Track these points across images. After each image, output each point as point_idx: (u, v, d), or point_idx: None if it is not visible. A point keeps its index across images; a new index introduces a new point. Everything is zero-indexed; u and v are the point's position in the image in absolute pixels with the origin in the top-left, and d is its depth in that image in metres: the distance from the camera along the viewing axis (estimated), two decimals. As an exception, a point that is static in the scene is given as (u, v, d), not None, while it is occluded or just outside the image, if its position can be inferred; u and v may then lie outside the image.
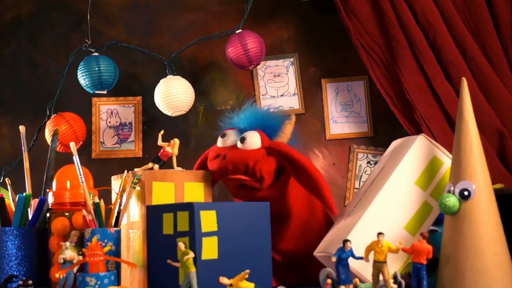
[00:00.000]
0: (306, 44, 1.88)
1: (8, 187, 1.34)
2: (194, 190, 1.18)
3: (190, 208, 0.96)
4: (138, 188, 1.11)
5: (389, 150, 1.25)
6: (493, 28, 1.59)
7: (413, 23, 1.57)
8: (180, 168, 1.19)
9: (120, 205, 1.12)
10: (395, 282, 0.89)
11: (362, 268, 1.01)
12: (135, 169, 1.15)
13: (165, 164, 1.21)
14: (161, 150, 1.20)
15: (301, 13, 1.87)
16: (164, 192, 1.13)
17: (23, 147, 1.33)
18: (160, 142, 1.21)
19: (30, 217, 1.23)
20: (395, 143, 1.26)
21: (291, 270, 1.24)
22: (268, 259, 1.05)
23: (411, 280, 0.93)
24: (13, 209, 1.25)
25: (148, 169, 1.16)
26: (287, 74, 1.87)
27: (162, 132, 1.21)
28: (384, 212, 1.06)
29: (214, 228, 0.98)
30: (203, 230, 0.96)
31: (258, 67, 1.83)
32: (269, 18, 1.88)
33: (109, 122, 1.85)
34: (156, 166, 1.17)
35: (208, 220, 0.97)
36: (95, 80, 1.66)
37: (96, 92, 1.70)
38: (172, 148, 1.20)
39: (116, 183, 1.20)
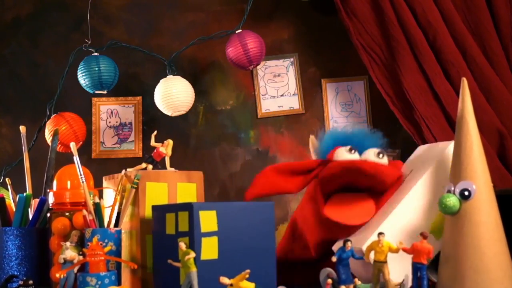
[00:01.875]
0: (306, 44, 1.88)
1: (9, 187, 1.34)
2: (187, 191, 1.18)
3: (190, 209, 0.96)
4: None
5: (416, 155, 1.25)
6: (493, 28, 1.59)
7: (413, 23, 1.57)
8: (173, 169, 1.19)
9: (121, 204, 1.12)
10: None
11: (362, 268, 1.01)
12: (128, 169, 1.15)
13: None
14: (155, 151, 1.21)
15: (301, 13, 1.87)
16: (157, 192, 1.14)
17: (23, 147, 1.33)
18: (153, 142, 1.21)
19: (30, 217, 1.23)
20: (422, 148, 1.26)
21: None
22: (272, 260, 1.04)
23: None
24: (14, 209, 1.25)
25: (141, 169, 1.16)
26: (287, 74, 1.87)
27: (155, 132, 1.22)
28: (410, 214, 1.06)
29: (214, 228, 0.97)
30: (203, 230, 0.96)
31: (258, 67, 1.83)
32: (269, 18, 1.88)
33: (109, 122, 1.85)
34: (150, 167, 1.18)
35: (208, 220, 0.97)
36: (95, 80, 1.66)
37: (96, 92, 1.70)
38: (166, 148, 1.20)
39: (107, 183, 1.20)
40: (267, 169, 1.23)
